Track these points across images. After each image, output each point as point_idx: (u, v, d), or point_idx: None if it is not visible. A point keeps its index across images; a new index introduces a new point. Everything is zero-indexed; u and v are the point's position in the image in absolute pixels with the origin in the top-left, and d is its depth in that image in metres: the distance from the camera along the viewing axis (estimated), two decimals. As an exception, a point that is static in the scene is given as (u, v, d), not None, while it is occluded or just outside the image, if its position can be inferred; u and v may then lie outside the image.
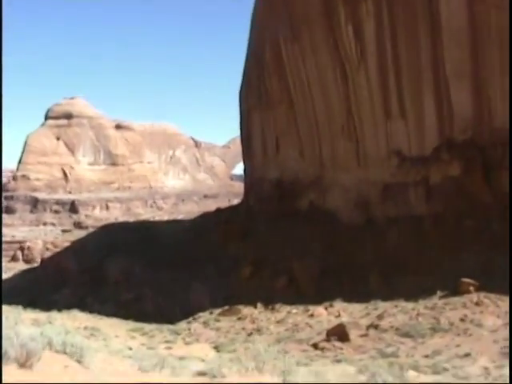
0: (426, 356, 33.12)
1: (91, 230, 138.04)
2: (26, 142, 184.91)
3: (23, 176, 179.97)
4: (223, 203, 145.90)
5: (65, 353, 8.94)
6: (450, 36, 57.88)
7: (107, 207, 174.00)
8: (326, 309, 48.93)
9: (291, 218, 72.81)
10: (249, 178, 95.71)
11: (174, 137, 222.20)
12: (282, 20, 75.42)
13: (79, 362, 8.98)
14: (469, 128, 59.74)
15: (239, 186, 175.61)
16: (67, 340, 9.08)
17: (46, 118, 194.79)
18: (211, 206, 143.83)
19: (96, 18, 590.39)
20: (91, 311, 61.32)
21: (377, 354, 34.34)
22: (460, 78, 58.55)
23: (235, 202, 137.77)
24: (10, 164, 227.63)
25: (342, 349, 37.35)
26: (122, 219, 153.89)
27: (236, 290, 61.52)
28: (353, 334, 39.46)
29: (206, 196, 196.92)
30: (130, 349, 25.84)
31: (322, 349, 37.86)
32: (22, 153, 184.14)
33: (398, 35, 61.94)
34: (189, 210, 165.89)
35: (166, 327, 51.93)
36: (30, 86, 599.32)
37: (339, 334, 39.34)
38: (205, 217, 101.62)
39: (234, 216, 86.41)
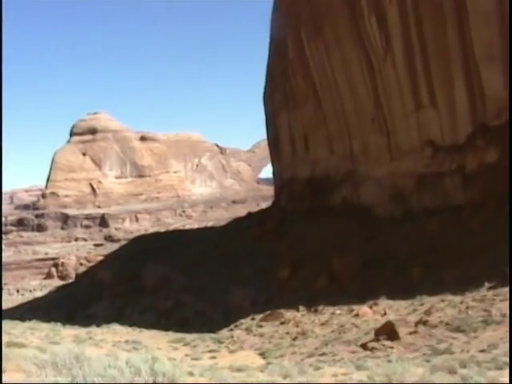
0: (483, 351, 31.50)
1: (123, 242, 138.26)
2: (53, 160, 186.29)
3: (52, 193, 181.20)
4: (252, 207, 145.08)
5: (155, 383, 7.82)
6: (478, 17, 56.05)
7: (137, 219, 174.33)
8: (370, 307, 47.47)
9: (325, 215, 71.70)
10: (279, 178, 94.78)
11: (199, 145, 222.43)
12: (303, 15, 74.33)
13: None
14: (503, 112, 57.87)
15: (267, 190, 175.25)
16: (157, 368, 7.95)
17: (71, 134, 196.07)
18: (240, 211, 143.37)
19: (112, 31, 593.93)
20: (130, 323, 60.60)
21: (430, 352, 32.91)
22: (491, 60, 56.71)
23: (264, 205, 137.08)
24: (38, 182, 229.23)
25: (392, 348, 35.96)
26: (152, 230, 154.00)
27: (276, 293, 60.43)
28: (402, 332, 38.01)
29: (234, 201, 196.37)
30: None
31: (372, 349, 36.51)
32: (50, 170, 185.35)
33: (423, 21, 60.29)
34: (218, 217, 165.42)
35: (208, 336, 50.95)
36: (55, 105, 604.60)
37: (388, 332, 37.91)
38: (237, 221, 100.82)
39: (267, 218, 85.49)
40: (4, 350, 18.60)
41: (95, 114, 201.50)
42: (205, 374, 13.11)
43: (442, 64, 60.26)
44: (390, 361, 29.90)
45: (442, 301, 44.53)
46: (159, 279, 75.75)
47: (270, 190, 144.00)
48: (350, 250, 61.47)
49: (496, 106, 58.06)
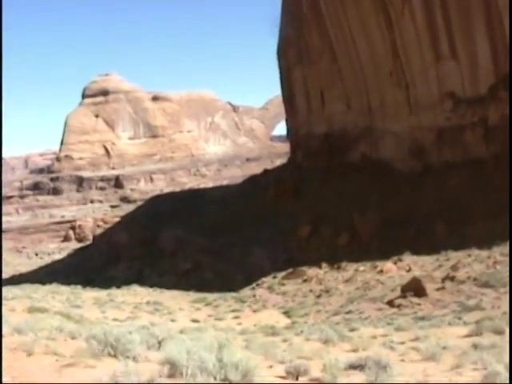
0: (514, 306, 30.89)
1: (139, 203, 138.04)
2: (66, 123, 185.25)
3: (66, 156, 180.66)
4: (266, 165, 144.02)
5: (225, 380, 6.51)
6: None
7: (151, 179, 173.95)
8: (395, 263, 46.84)
9: (344, 171, 70.72)
10: (294, 135, 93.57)
11: (212, 103, 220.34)
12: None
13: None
14: (526, 62, 56.28)
15: (280, 147, 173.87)
16: (225, 359, 6.71)
17: (83, 96, 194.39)
18: (254, 168, 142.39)
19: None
20: (150, 284, 60.32)
21: (459, 308, 32.19)
22: (514, 9, 54.89)
23: (278, 162, 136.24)
24: (52, 146, 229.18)
25: (419, 304, 35.41)
26: (167, 190, 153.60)
27: (296, 251, 59.82)
28: (429, 288, 37.38)
29: (248, 159, 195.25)
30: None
31: (399, 306, 35.98)
32: (63, 133, 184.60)
33: (443, -30, 58.49)
34: (232, 175, 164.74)
35: (229, 295, 50.58)
36: (66, 67, 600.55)
37: (415, 289, 37.27)
38: (253, 179, 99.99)
39: (284, 175, 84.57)
40: (27, 316, 17.93)
41: (106, 75, 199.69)
42: (249, 345, 12.39)
43: (463, 13, 58.51)
44: (422, 318, 29.14)
45: (469, 256, 43.81)
46: (177, 241, 75.20)
47: (283, 147, 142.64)
48: (371, 207, 60.53)
49: (519, 56, 56.46)
